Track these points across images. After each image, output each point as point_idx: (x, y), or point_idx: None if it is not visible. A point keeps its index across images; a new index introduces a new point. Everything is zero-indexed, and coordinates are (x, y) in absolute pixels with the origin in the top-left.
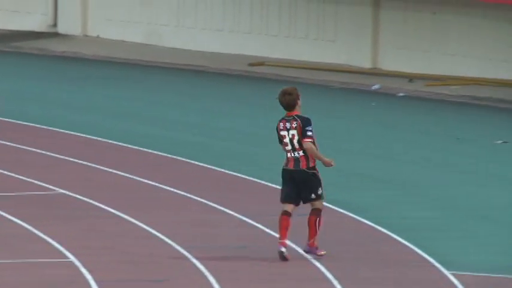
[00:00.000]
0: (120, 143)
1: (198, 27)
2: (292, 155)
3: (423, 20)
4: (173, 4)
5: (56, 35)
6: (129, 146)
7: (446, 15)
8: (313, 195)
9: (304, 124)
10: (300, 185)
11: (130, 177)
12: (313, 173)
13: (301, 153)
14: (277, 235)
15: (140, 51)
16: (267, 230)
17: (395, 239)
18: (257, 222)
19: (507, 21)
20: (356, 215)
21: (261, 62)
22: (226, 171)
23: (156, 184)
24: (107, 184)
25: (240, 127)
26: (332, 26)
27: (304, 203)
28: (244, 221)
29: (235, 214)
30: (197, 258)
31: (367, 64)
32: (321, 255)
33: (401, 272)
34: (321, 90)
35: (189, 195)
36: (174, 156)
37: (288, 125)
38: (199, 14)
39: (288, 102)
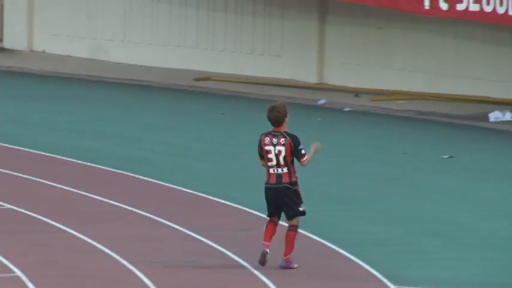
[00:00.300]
0: (65, 158)
1: (144, 42)
2: (275, 171)
3: (369, 35)
4: (119, 19)
5: (2, 50)
6: (74, 160)
7: (392, 30)
8: (292, 213)
9: (295, 143)
10: (281, 201)
11: (75, 192)
12: (295, 189)
13: (285, 170)
14: (223, 249)
15: (86, 66)
16: (213, 245)
17: (343, 254)
18: (203, 237)
19: (453, 37)
20: (304, 230)
21: (207, 77)
22: (172, 186)
23: (102, 199)
24: (52, 199)
25: (186, 142)
26: (278, 41)
27: (287, 218)
28: (190, 236)
29: (181, 228)
30: (144, 273)
31: (313, 79)
32: (295, 267)
33: (349, 287)
34: (267, 105)
35: (134, 209)
36: (119, 171)
37: (274, 140)
38: (145, 29)
39: (276, 118)
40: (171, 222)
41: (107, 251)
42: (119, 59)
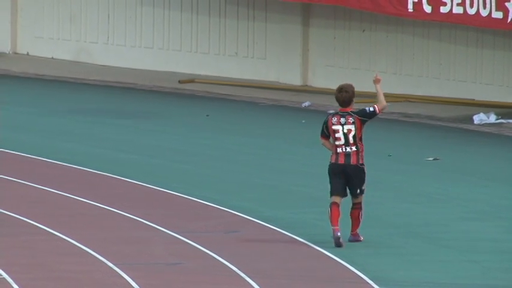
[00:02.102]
0: (49, 160)
1: (127, 45)
2: (344, 149)
3: (353, 38)
4: (102, 21)
5: None
6: (59, 162)
7: (375, 33)
8: (358, 191)
9: (362, 113)
10: (349, 179)
11: (60, 194)
12: (363, 168)
13: (353, 148)
14: (208, 251)
15: (70, 68)
16: (198, 246)
17: (328, 256)
18: (187, 239)
19: (437, 39)
20: (289, 232)
21: (191, 79)
22: (156, 188)
23: (86, 200)
24: (36, 200)
25: (170, 144)
26: (262, 44)
27: (352, 196)
28: (175, 237)
29: (165, 230)
30: (128, 275)
31: (297, 81)
32: (361, 240)
33: None
34: (251, 107)
35: (119, 211)
36: (104, 173)
37: (342, 120)
38: (128, 32)
39: (345, 98)
40: (155, 224)
41: (91, 252)
42: (102, 61)
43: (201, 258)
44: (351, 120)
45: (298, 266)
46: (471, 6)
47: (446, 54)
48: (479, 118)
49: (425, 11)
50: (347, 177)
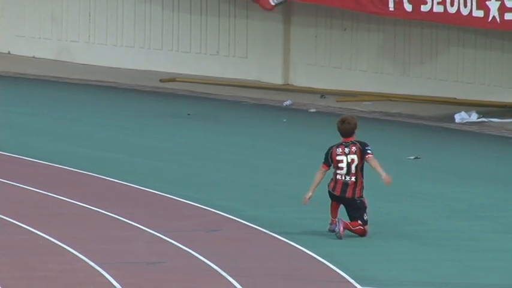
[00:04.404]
0: (31, 159)
1: (108, 44)
2: (343, 178)
3: (334, 37)
4: (83, 20)
5: None
6: (41, 161)
7: (357, 32)
8: (359, 221)
9: (363, 146)
10: (346, 206)
11: (42, 193)
12: (361, 201)
13: (353, 178)
14: (189, 250)
15: (51, 67)
16: (180, 245)
17: (310, 255)
18: (169, 238)
19: (418, 38)
20: (270, 231)
21: (172, 78)
22: (137, 187)
23: (68, 200)
24: (19, 199)
25: (152, 143)
26: (243, 43)
27: (350, 220)
28: (157, 236)
29: (147, 229)
30: (111, 274)
31: (278, 80)
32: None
33: None
34: (233, 106)
35: (101, 210)
36: (85, 172)
37: (346, 150)
38: (109, 31)
39: (347, 130)
40: (137, 223)
41: (74, 252)
42: (84, 60)
43: (182, 257)
44: (354, 149)
45: (280, 265)
46: (451, 5)
47: (428, 53)
48: (460, 117)
49: (406, 10)
50: (344, 203)
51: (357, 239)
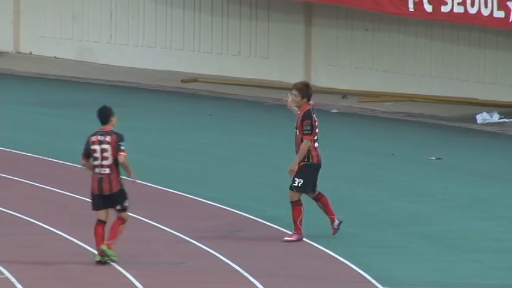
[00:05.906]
0: (53, 159)
1: (130, 44)
2: None
3: (355, 37)
4: (105, 21)
5: None
6: (62, 162)
7: (378, 32)
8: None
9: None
10: None
11: (63, 193)
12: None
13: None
14: (212, 251)
15: (72, 67)
16: (202, 246)
17: (331, 255)
18: (191, 238)
19: (440, 39)
20: (292, 231)
21: (193, 79)
22: (160, 188)
23: (90, 200)
24: (40, 200)
25: (174, 144)
26: (265, 43)
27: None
28: (179, 237)
29: (170, 230)
30: (133, 274)
31: (299, 80)
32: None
33: None
34: (254, 106)
35: None
36: None
37: None
38: (131, 31)
39: None
40: (160, 224)
41: (95, 252)
42: (105, 60)
43: (204, 257)
44: None
45: (302, 265)
46: (472, 5)
47: (449, 53)
48: (482, 117)
49: (426, 11)
50: None
51: (378, 239)
